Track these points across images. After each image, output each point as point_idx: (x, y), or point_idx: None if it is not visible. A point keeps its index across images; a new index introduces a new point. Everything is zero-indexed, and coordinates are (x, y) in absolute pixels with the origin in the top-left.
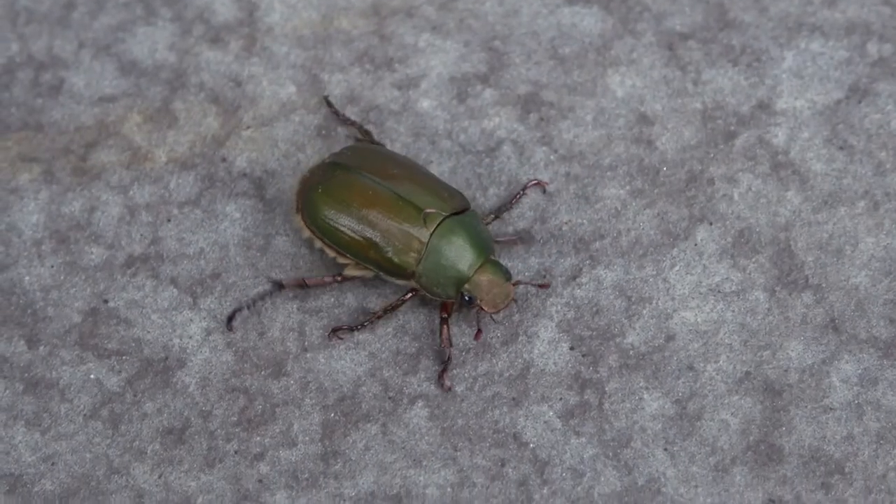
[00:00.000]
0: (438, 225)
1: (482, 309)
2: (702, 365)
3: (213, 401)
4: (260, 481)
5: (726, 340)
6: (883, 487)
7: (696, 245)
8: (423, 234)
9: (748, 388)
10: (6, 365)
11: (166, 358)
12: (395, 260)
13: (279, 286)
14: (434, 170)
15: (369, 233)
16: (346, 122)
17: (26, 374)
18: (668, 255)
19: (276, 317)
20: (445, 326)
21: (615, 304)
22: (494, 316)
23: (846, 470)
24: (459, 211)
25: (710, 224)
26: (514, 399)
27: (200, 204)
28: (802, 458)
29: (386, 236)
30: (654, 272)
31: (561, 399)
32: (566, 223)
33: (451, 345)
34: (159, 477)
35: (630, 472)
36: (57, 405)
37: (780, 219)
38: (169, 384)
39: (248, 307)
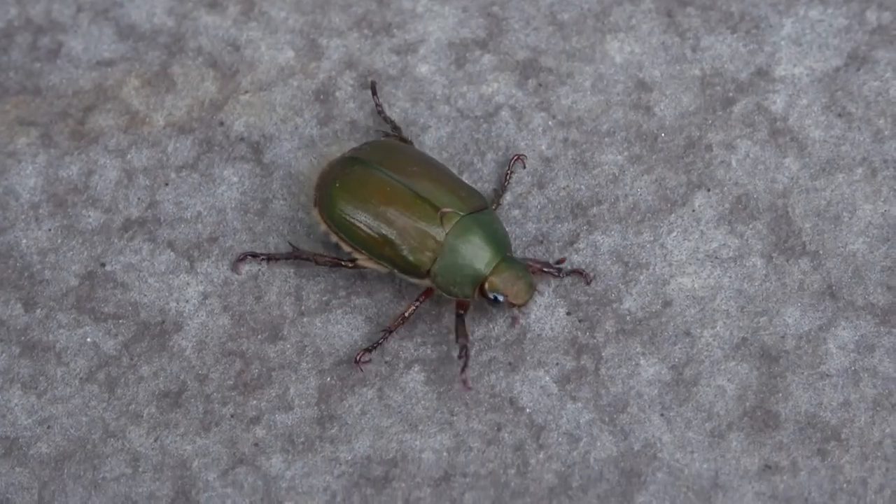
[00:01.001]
0: (455, 224)
1: (511, 304)
2: (698, 331)
3: (210, 364)
4: (256, 445)
5: (723, 306)
6: (879, 454)
7: (693, 211)
8: (440, 233)
9: (745, 354)
10: (3, 328)
11: (163, 321)
12: (411, 258)
13: (295, 253)
14: (432, 135)
15: (385, 230)
16: (381, 114)
17: (23, 338)
18: (666, 220)
19: (272, 281)
20: (462, 324)
21: (612, 269)
22: (523, 309)
23: (842, 436)
24: (477, 209)
25: (708, 190)
26: (510, 364)
27: (198, 168)
28: (799, 424)
29: (402, 234)
30: (652, 238)
31: (557, 364)
32: (564, 188)
33: (468, 339)
34: (155, 440)
35: (626, 438)
36: (53, 368)
37: (778, 185)
38: (165, 348)
39: (263, 260)
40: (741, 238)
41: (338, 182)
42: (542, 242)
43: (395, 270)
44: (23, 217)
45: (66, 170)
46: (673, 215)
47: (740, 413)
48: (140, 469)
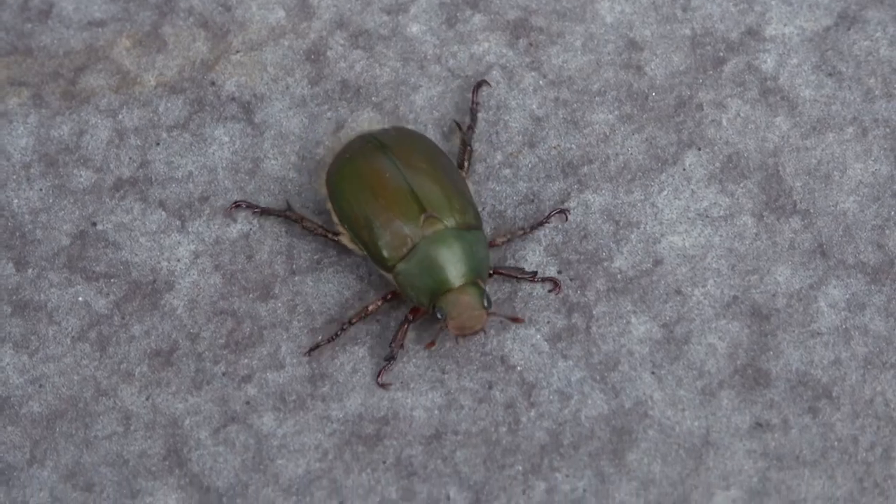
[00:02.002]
0: (435, 232)
1: (447, 327)
2: (689, 289)
3: (201, 323)
4: (247, 403)
5: (714, 265)
6: (870, 412)
7: (684, 170)
8: (417, 234)
9: (735, 312)
10: None
11: (154, 280)
12: (383, 250)
13: (287, 212)
14: (422, 94)
15: (369, 213)
16: (473, 113)
17: (14, 297)
18: (657, 179)
19: (264, 240)
20: (405, 327)
21: (603, 228)
22: (460, 339)
23: (833, 394)
24: (465, 226)
25: (699, 149)
26: (501, 322)
27: (189, 128)
28: (790, 382)
29: (382, 223)
30: (643, 197)
31: (548, 322)
32: (555, 148)
33: (402, 347)
34: (147, 399)
35: (617, 396)
36: (45, 327)
37: (769, 144)
38: (157, 307)
39: (256, 212)
40: (732, 197)
41: (348, 153)
42: (532, 201)
43: (368, 256)
44: (14, 177)
45: (58, 130)
46: (664, 174)
47: (731, 371)
48: (132, 427)
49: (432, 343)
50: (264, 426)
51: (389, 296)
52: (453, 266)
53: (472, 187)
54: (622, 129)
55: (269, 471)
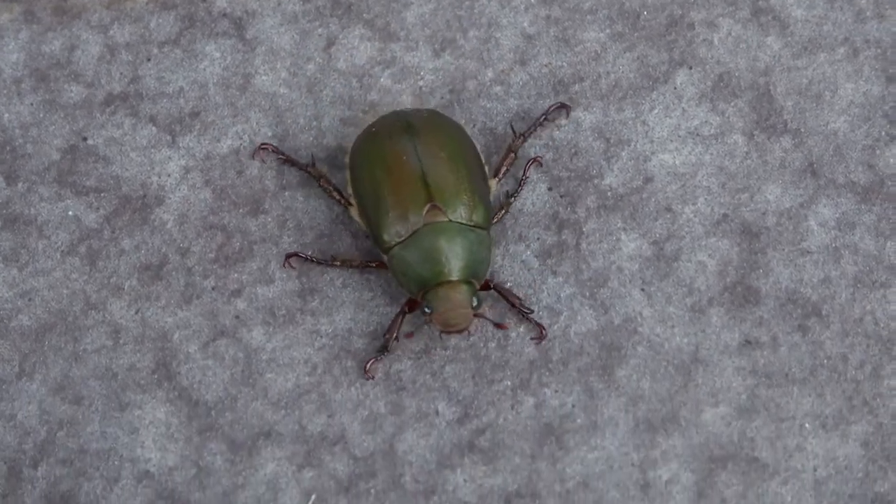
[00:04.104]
0: (436, 223)
1: (431, 321)
2: (679, 207)
3: (191, 238)
4: (237, 317)
5: (704, 183)
6: (860, 330)
7: (675, 89)
8: (417, 221)
9: (726, 230)
10: None
11: (144, 195)
12: (382, 230)
13: (309, 167)
14: (414, 11)
15: (378, 191)
16: (536, 124)
17: (4, 211)
18: (648, 98)
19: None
20: (400, 319)
21: (594, 145)
22: (443, 335)
23: (823, 312)
24: (471, 223)
25: (690, 68)
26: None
27: (180, 43)
28: (779, 300)
29: (387, 204)
30: (634, 115)
31: (538, 239)
32: (546, 66)
33: (396, 339)
34: (136, 312)
35: (607, 312)
36: (35, 241)
37: (760, 64)
38: (147, 221)
39: (280, 158)
40: (723, 116)
41: (375, 128)
42: (523, 119)
43: (369, 232)
44: (5, 92)
45: (49, 45)
46: (655, 93)
47: (721, 288)
48: (121, 341)
49: (411, 334)
50: (253, 340)
51: (375, 264)
52: (448, 260)
53: (494, 186)
54: (613, 47)
55: (258, 384)
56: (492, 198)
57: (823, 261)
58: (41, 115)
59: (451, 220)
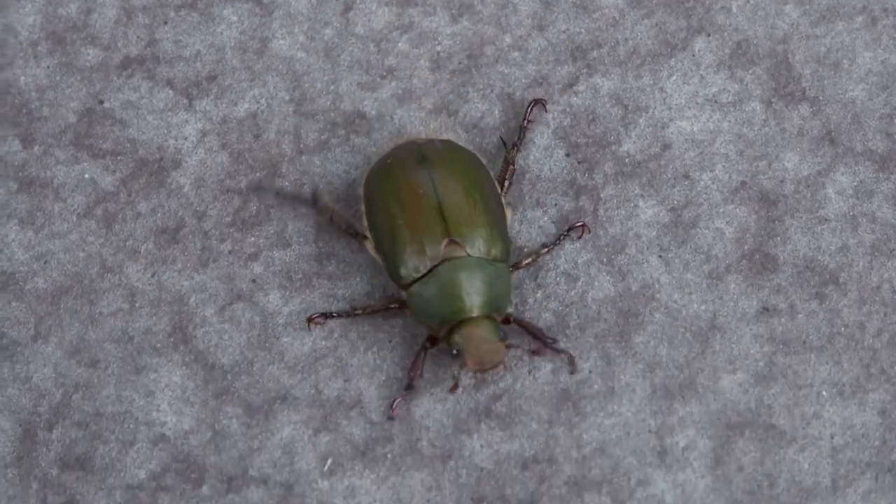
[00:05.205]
0: (455, 258)
1: (466, 364)
2: (697, 174)
3: (208, 201)
4: (253, 281)
5: (722, 150)
6: (877, 299)
7: (693, 56)
8: (436, 257)
9: (743, 197)
10: (0, 164)
11: (161, 158)
12: (400, 266)
13: (314, 200)
14: None
15: (393, 225)
16: (523, 130)
17: (21, 174)
18: (666, 65)
19: (271, 119)
20: (422, 356)
21: (612, 112)
22: (478, 374)
23: (840, 280)
24: (490, 257)
25: (708, 35)
26: (508, 204)
27: (197, 7)
28: (797, 267)
29: (405, 238)
30: (652, 82)
31: (556, 205)
32: (564, 32)
33: (421, 377)
34: (152, 276)
35: (624, 278)
36: (51, 204)
37: (779, 31)
38: (163, 184)
39: (277, 193)
40: (741, 83)
41: (389, 160)
42: (541, 84)
43: (386, 268)
44: (21, 54)
45: (66, 7)
46: (673, 59)
47: (738, 256)
48: (137, 304)
49: (455, 387)
50: (270, 304)
51: (395, 305)
52: (469, 296)
53: (510, 214)
54: (632, 14)
55: (274, 348)
56: (508, 223)
57: (841, 229)
58: (58, 78)
59: (469, 255)
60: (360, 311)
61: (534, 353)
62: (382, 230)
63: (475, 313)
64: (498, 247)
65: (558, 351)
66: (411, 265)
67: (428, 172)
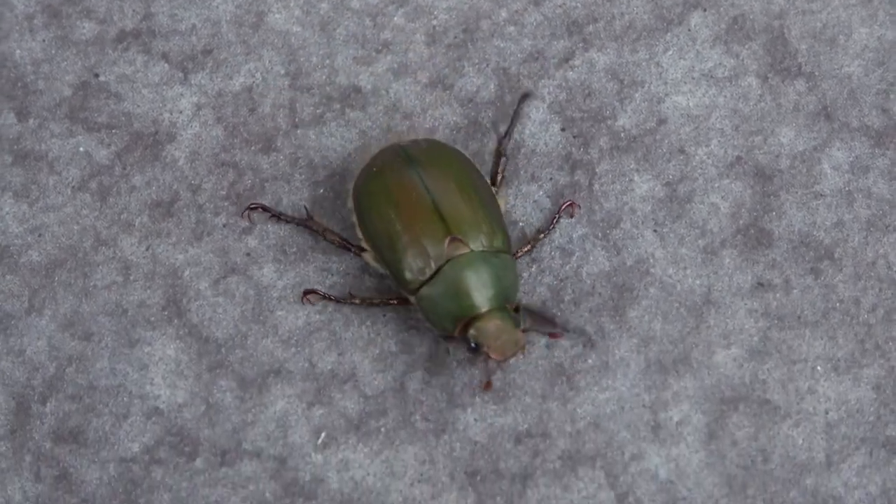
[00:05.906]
0: (459, 255)
1: (489, 357)
2: (693, 148)
3: (203, 175)
4: (248, 255)
5: (718, 125)
6: (872, 274)
7: (689, 30)
8: (440, 257)
9: (739, 172)
10: None
11: (156, 132)
12: (405, 271)
13: (308, 222)
14: None
15: (392, 231)
16: (512, 124)
17: (15, 147)
18: (662, 39)
19: (266, 93)
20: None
21: (607, 86)
22: (503, 364)
23: (836, 256)
24: (493, 250)
25: (704, 10)
26: (504, 178)
27: None
28: (792, 242)
29: (405, 243)
30: (647, 56)
31: (551, 179)
32: (560, 6)
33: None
34: (147, 249)
35: (619, 253)
36: (45, 177)
37: (775, 7)
38: (158, 158)
39: (271, 216)
40: (737, 58)
41: (375, 167)
42: (537, 59)
43: (390, 276)
44: (17, 28)
45: None
46: (669, 34)
47: (733, 230)
48: (131, 277)
49: (489, 384)
50: (264, 278)
51: (395, 301)
52: (480, 291)
53: (503, 204)
54: None
55: (268, 322)
56: (503, 210)
57: (836, 204)
58: (53, 52)
59: (473, 251)
60: (357, 301)
61: (552, 336)
62: (380, 238)
63: (488, 307)
64: (499, 238)
65: (573, 332)
66: (416, 268)
67: (417, 173)
